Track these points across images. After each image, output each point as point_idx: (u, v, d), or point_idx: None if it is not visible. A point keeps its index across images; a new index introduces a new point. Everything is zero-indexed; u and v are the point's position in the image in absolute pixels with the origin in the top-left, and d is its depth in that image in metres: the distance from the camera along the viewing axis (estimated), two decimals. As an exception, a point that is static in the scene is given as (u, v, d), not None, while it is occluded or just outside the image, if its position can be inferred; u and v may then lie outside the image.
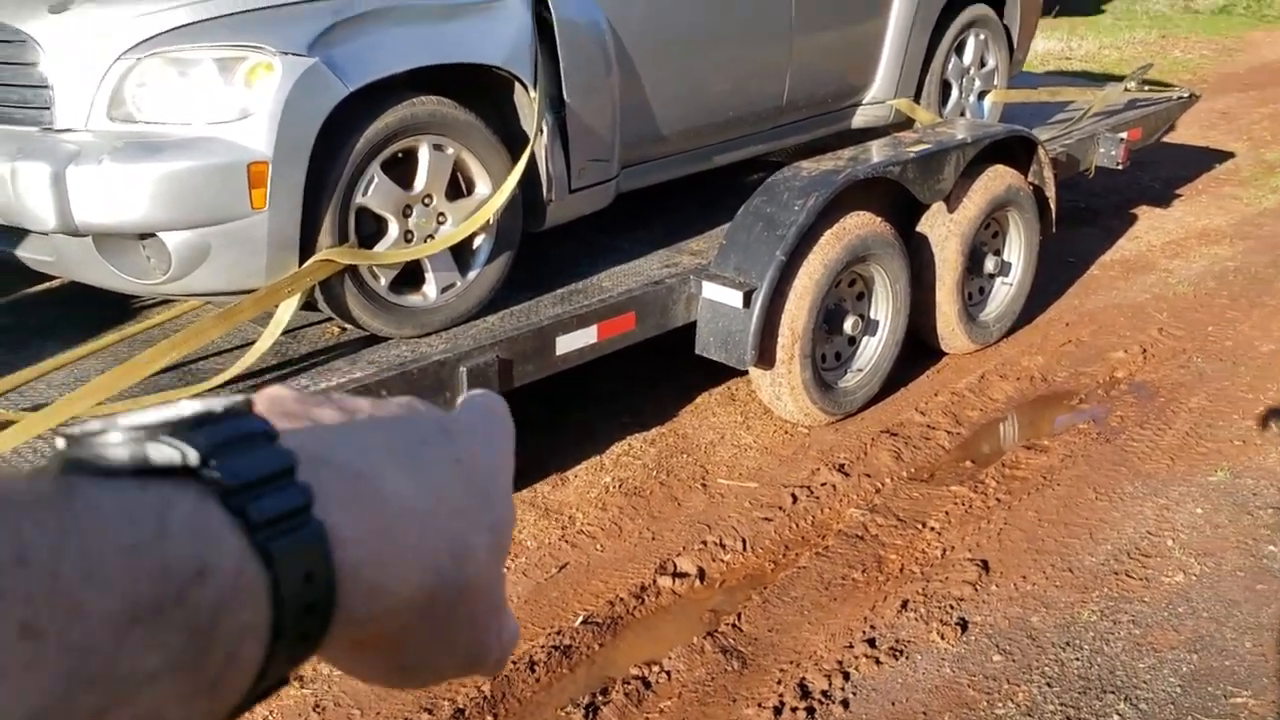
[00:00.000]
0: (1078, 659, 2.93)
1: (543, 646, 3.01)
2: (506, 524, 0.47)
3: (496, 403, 0.52)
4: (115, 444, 0.36)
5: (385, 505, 0.41)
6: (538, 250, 3.74)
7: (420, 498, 0.42)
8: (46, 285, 3.53)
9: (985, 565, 3.34)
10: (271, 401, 0.43)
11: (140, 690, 0.32)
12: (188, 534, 0.34)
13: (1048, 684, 2.85)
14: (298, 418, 0.43)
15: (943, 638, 3.02)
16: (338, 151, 2.94)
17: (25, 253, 3.03)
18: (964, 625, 3.08)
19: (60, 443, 0.36)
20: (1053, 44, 11.71)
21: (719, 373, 4.18)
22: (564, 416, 4.23)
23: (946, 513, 3.63)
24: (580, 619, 3.13)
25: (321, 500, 0.38)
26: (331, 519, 0.38)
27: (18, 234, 2.98)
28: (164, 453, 0.36)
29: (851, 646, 3.00)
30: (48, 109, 2.88)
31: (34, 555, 0.30)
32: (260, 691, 0.37)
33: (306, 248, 2.94)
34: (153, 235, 2.83)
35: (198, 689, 0.34)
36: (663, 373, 4.50)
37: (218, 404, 0.38)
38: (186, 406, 0.38)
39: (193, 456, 0.36)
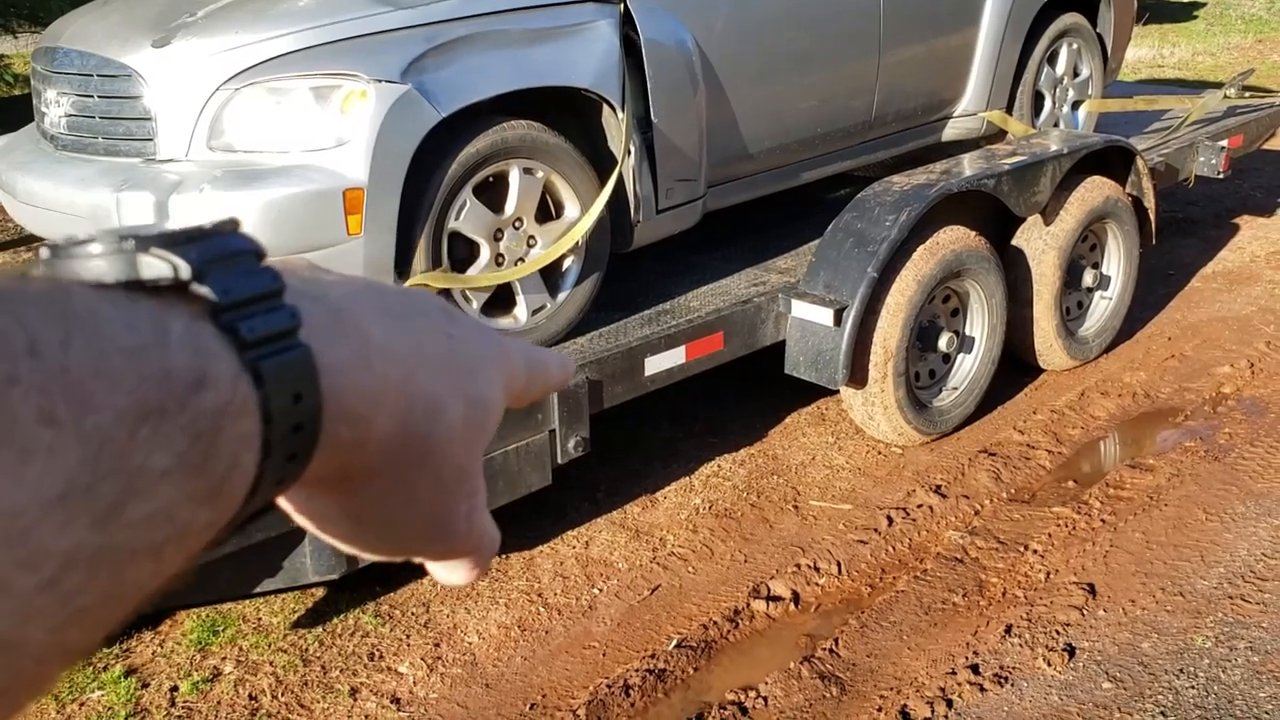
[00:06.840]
0: (1193, 687, 2.81)
1: (637, 670, 2.98)
2: (488, 405, 0.47)
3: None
4: (101, 255, 0.36)
5: (368, 342, 0.41)
6: (625, 270, 3.73)
7: (403, 346, 0.43)
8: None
9: (1092, 589, 3.22)
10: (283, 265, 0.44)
11: (155, 486, 0.32)
12: (186, 345, 0.34)
13: (1162, 713, 2.73)
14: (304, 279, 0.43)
15: (1049, 664, 2.92)
16: (430, 177, 2.96)
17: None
18: (1071, 651, 2.97)
19: (44, 253, 0.36)
20: (1144, 52, 11.42)
21: (808, 392, 4.12)
22: (650, 436, 4.20)
23: (1049, 535, 3.52)
24: (674, 643, 3.09)
25: (308, 326, 0.38)
26: (316, 344, 0.38)
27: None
28: (155, 267, 0.36)
29: (954, 673, 2.92)
30: (151, 140, 2.96)
31: (45, 348, 0.31)
32: (248, 513, 0.38)
33: (401, 272, 2.97)
34: (251, 262, 2.87)
35: (206, 494, 0.34)
36: (749, 392, 4.45)
37: (206, 221, 0.38)
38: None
39: (185, 271, 0.36)
